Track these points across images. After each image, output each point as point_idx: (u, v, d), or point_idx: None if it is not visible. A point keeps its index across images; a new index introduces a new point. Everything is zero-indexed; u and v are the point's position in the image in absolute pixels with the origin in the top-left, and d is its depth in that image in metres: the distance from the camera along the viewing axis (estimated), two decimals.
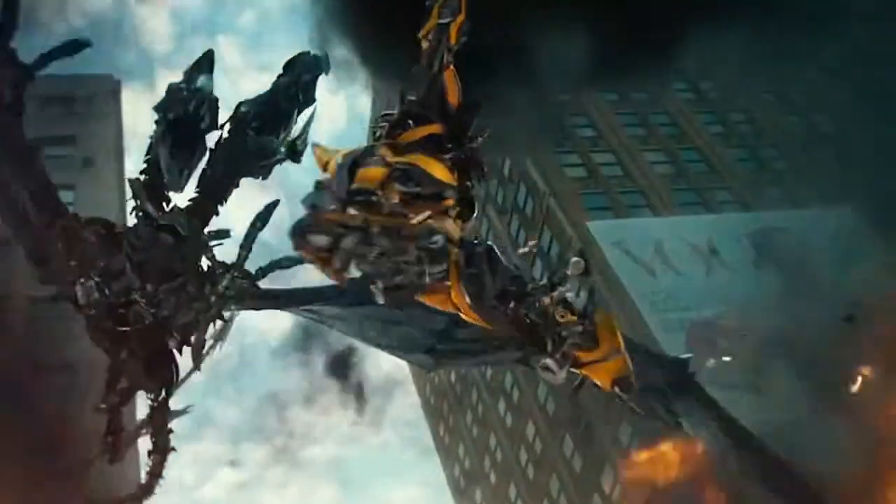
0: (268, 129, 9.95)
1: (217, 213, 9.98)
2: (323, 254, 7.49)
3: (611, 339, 7.47)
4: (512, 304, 7.42)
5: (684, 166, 38.49)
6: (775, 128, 39.99)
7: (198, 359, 9.65)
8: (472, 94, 7.87)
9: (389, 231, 7.36)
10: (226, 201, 10.02)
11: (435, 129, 7.64)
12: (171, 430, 10.36)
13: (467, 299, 7.41)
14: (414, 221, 7.39)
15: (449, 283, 7.45)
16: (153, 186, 9.62)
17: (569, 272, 7.45)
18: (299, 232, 7.61)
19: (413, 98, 7.81)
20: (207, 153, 9.90)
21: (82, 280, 9.33)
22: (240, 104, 10.05)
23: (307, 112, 10.24)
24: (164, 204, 9.75)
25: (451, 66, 7.78)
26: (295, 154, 10.02)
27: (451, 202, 7.46)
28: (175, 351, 9.81)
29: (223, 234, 10.02)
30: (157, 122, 9.61)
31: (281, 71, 10.29)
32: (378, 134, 7.98)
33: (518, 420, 43.06)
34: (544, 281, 7.47)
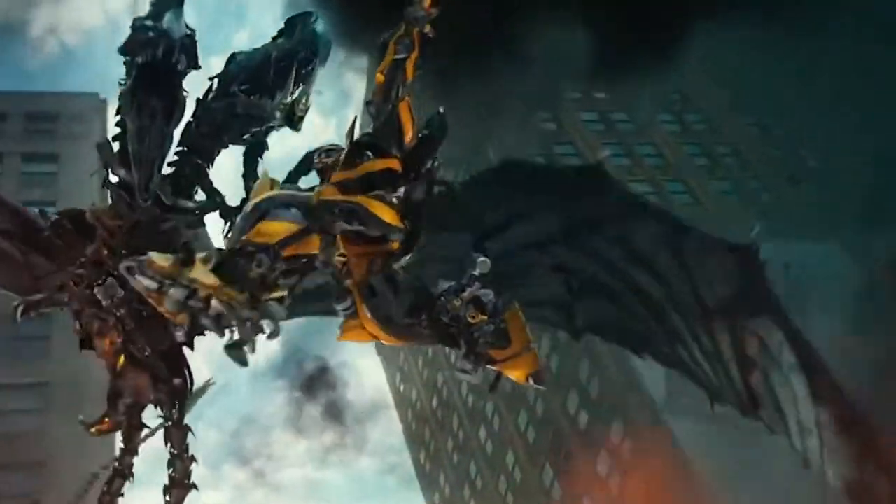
0: (260, 92, 8.66)
1: (206, 176, 8.61)
2: (153, 294, 7.31)
3: (521, 336, 7.40)
4: (424, 316, 7.35)
5: (669, 197, 38.52)
6: (760, 161, 40.13)
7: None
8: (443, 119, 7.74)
9: (219, 299, 7.21)
10: (213, 163, 8.68)
11: (393, 164, 7.52)
12: (193, 458, 8.32)
13: (380, 326, 7.38)
14: (265, 298, 7.23)
15: (360, 316, 7.41)
16: (128, 153, 8.29)
17: (476, 272, 7.36)
18: (128, 270, 7.36)
19: (370, 131, 7.71)
20: (193, 107, 8.57)
21: (100, 281, 8.06)
22: (231, 57, 8.75)
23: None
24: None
25: (407, 100, 7.68)
26: (293, 120, 8.72)
27: (395, 245, 7.36)
28: (186, 349, 8.29)
29: (216, 196, 8.61)
30: (125, 64, 8.35)
31: (277, 41, 8.94)
32: (325, 165, 7.79)
33: (498, 448, 42.92)
34: (452, 283, 7.36)
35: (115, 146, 8.21)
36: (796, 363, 7.52)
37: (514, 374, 7.40)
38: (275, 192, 7.60)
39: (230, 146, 8.68)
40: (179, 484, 8.27)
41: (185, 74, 8.37)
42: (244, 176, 8.33)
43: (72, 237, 8.28)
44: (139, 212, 8.21)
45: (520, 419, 40.43)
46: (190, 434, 8.34)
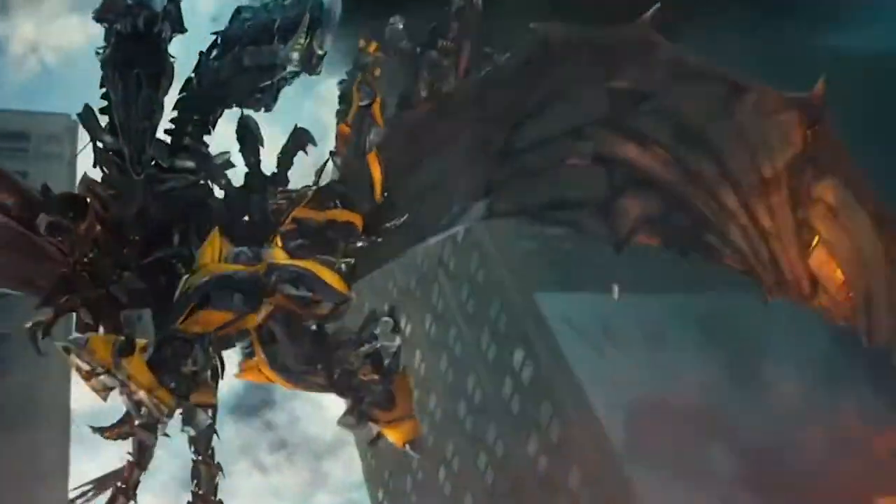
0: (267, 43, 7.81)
1: (209, 134, 7.87)
2: (84, 372, 7.12)
3: (406, 402, 7.29)
4: (320, 366, 7.19)
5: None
6: None
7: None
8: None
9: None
10: (215, 124, 7.92)
11: (356, 220, 7.32)
12: (219, 468, 7.68)
13: (276, 373, 7.24)
14: (193, 399, 7.04)
15: (257, 359, 7.24)
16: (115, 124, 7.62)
17: (377, 332, 7.24)
18: (65, 349, 7.14)
19: (342, 180, 7.51)
20: (192, 72, 7.84)
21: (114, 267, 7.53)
22: (236, 12, 7.95)
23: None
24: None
25: (374, 152, 7.49)
26: (311, 62, 7.79)
27: (323, 311, 7.21)
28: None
29: (225, 161, 7.82)
30: (104, 29, 7.67)
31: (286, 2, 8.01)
32: (278, 207, 7.57)
33: (457, 489, 42.67)
34: (352, 336, 7.21)
35: (105, 120, 7.68)
36: (867, 223, 6.74)
37: (393, 437, 7.29)
38: (220, 269, 7.26)
39: (234, 107, 7.99)
40: (206, 500, 7.63)
41: (170, 40, 7.77)
42: (241, 152, 7.83)
43: (71, 225, 7.52)
44: (136, 183, 7.58)
45: (479, 461, 40.23)
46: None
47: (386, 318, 7.18)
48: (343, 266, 7.08)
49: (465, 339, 40.90)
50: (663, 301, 35.15)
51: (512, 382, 38.15)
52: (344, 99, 7.66)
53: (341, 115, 7.66)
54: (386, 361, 7.12)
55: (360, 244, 7.23)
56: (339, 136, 7.65)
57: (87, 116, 7.65)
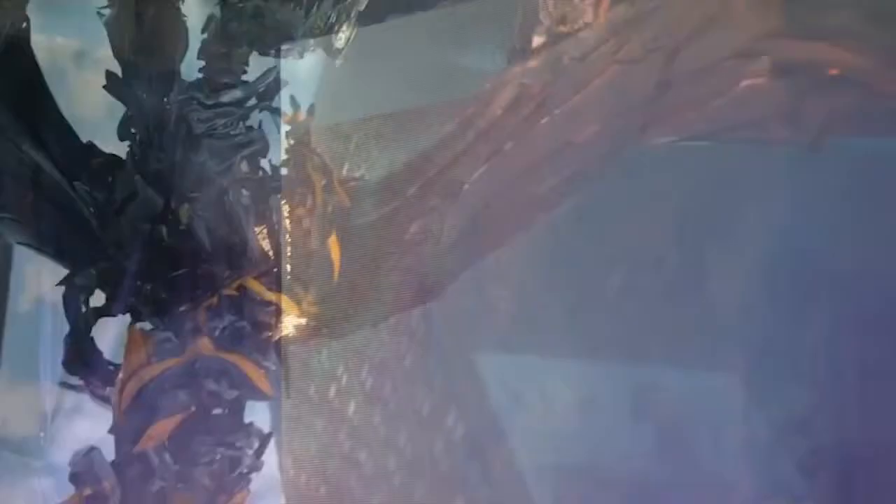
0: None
1: (244, 73, 7.62)
2: None
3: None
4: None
5: None
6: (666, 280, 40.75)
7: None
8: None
9: None
10: (247, 60, 7.62)
11: (294, 311, 7.14)
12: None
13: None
14: None
15: None
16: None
17: (257, 447, 7.03)
18: None
19: (289, 261, 7.33)
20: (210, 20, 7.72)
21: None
22: None
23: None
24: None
25: (335, 236, 7.28)
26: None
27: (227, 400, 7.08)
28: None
29: (275, 79, 7.46)
30: None
31: None
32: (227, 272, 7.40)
33: None
34: (222, 432, 7.04)
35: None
36: None
37: None
38: (154, 372, 7.07)
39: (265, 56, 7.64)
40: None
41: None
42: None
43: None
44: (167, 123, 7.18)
45: None
46: None
47: (260, 436, 7.04)
48: (271, 366, 6.94)
49: (400, 394, 40.86)
50: (599, 368, 35.20)
51: (443, 440, 38.08)
52: (296, 179, 7.51)
53: (295, 197, 7.51)
54: (234, 473, 6.89)
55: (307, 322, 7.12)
56: (291, 218, 7.49)
57: (111, 80, 7.42)
